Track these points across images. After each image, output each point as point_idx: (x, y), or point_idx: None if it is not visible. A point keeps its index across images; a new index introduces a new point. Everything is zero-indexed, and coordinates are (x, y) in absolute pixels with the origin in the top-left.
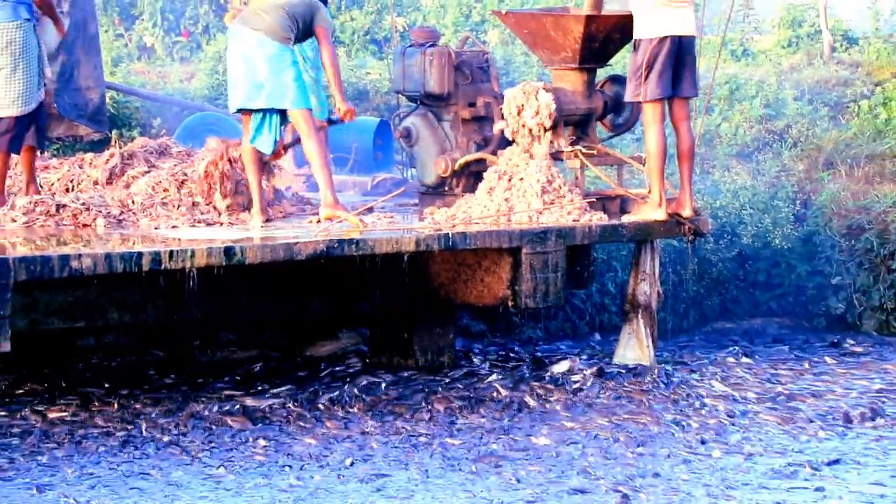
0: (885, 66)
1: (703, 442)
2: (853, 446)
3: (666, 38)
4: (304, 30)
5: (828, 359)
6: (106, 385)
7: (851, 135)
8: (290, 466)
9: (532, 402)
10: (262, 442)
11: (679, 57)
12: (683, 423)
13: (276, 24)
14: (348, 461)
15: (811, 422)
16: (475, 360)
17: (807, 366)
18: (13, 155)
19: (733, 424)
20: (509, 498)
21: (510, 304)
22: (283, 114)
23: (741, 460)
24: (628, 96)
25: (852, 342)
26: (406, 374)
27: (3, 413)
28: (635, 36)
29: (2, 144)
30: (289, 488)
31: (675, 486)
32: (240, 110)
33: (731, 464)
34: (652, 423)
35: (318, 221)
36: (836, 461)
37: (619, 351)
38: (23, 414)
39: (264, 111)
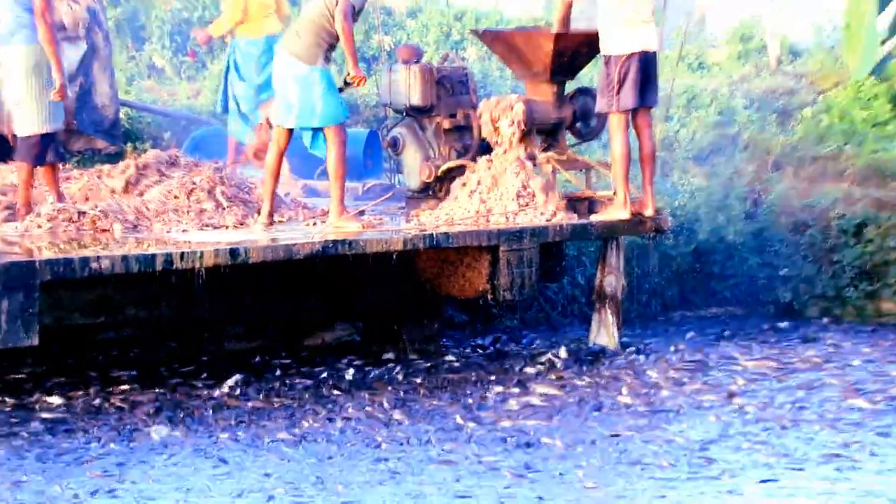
0: (826, 76)
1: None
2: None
3: (634, 54)
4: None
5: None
6: (124, 374)
7: (797, 139)
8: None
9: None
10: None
11: (644, 70)
12: (635, 399)
13: (306, 44)
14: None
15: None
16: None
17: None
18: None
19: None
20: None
21: (489, 296)
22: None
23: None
24: (602, 108)
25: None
26: (395, 361)
27: (31, 399)
28: (605, 52)
29: (28, 159)
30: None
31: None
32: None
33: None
34: (610, 397)
35: (314, 224)
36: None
37: (591, 337)
38: (48, 400)
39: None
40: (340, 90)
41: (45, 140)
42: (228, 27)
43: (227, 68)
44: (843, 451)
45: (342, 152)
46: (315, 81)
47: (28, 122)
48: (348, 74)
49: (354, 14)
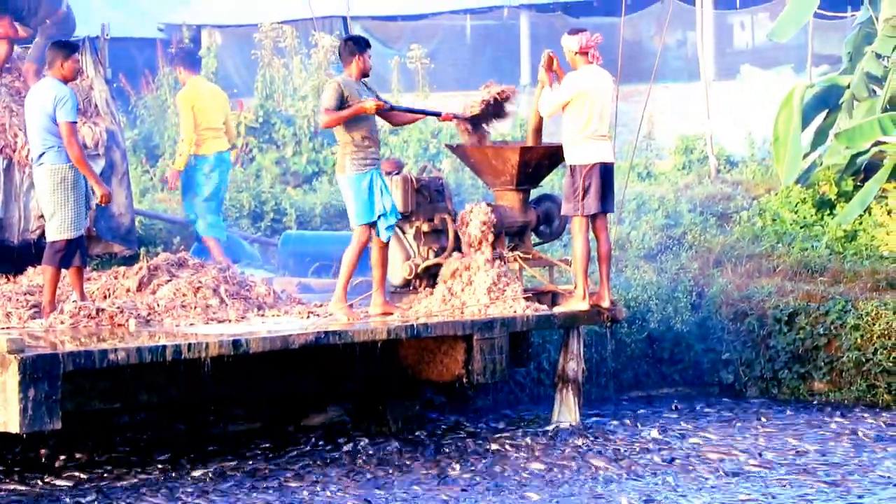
0: (759, 183)
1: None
2: None
3: (596, 164)
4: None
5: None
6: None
7: (734, 239)
8: None
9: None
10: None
11: (604, 179)
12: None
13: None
14: None
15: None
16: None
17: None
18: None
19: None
20: None
21: (464, 380)
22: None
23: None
24: (567, 211)
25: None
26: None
27: (53, 478)
28: (570, 162)
29: (55, 262)
30: None
31: None
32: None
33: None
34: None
35: (308, 316)
36: None
37: (554, 416)
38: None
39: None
40: None
41: (71, 245)
42: (189, 154)
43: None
44: None
45: (357, 251)
46: (347, 187)
47: (55, 229)
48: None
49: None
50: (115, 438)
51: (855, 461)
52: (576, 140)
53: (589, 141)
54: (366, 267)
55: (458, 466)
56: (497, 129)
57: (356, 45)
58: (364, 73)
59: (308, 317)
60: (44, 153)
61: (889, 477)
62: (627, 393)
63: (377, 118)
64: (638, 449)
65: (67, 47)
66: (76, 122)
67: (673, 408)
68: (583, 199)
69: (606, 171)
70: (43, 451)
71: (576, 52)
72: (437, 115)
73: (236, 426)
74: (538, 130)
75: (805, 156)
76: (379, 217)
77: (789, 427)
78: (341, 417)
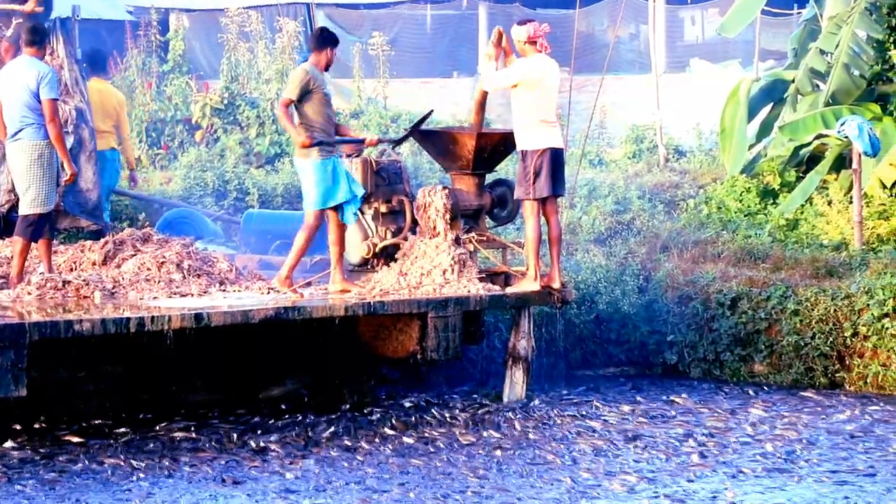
0: (706, 173)
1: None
2: None
3: (546, 149)
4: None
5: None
6: (100, 421)
7: (681, 225)
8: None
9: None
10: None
11: (554, 164)
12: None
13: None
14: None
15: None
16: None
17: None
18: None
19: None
20: None
21: (419, 356)
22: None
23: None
24: (519, 195)
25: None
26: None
27: (24, 442)
28: (521, 147)
29: (27, 234)
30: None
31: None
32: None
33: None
34: (511, 442)
35: (268, 292)
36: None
37: (505, 392)
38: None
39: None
40: None
41: (42, 219)
42: None
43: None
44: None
45: (310, 235)
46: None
47: (29, 203)
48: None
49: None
50: (79, 406)
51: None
52: (527, 126)
53: (539, 126)
54: (323, 245)
55: (408, 439)
56: (455, 116)
57: (330, 39)
58: (328, 67)
59: (268, 292)
60: (22, 129)
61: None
62: (575, 371)
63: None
64: (577, 426)
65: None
66: (58, 100)
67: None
68: (534, 182)
69: (556, 156)
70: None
71: (525, 42)
72: (361, 141)
73: (196, 396)
74: (482, 104)
75: (750, 147)
76: (348, 202)
77: (709, 404)
78: (299, 391)
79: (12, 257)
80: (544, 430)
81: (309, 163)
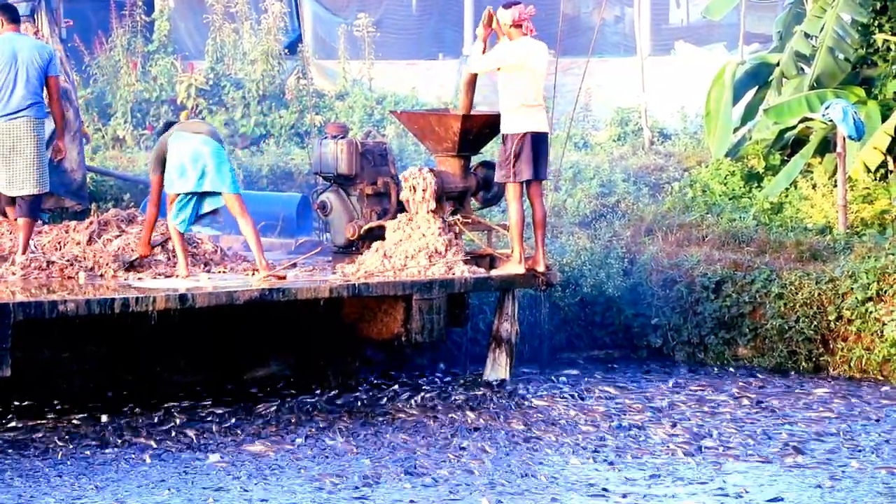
0: (690, 156)
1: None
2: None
3: (527, 133)
4: None
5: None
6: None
7: (666, 209)
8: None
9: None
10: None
11: (535, 148)
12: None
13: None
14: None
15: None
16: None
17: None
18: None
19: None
20: None
21: (403, 338)
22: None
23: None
24: (500, 178)
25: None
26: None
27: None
28: (503, 131)
29: (34, 215)
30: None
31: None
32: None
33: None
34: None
35: (252, 273)
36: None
37: (487, 372)
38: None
39: (189, 194)
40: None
41: (39, 199)
42: None
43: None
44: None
45: (248, 216)
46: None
47: (31, 183)
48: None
49: None
50: (63, 386)
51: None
52: (509, 109)
53: (522, 110)
54: (308, 228)
55: (384, 416)
56: (440, 98)
57: None
58: None
59: (253, 274)
60: (30, 105)
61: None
62: (559, 354)
63: None
64: (558, 408)
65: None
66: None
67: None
68: (514, 165)
69: (538, 140)
70: None
71: (510, 25)
72: None
73: (181, 377)
74: (470, 84)
75: (735, 130)
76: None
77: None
78: (283, 372)
79: (21, 238)
80: (524, 411)
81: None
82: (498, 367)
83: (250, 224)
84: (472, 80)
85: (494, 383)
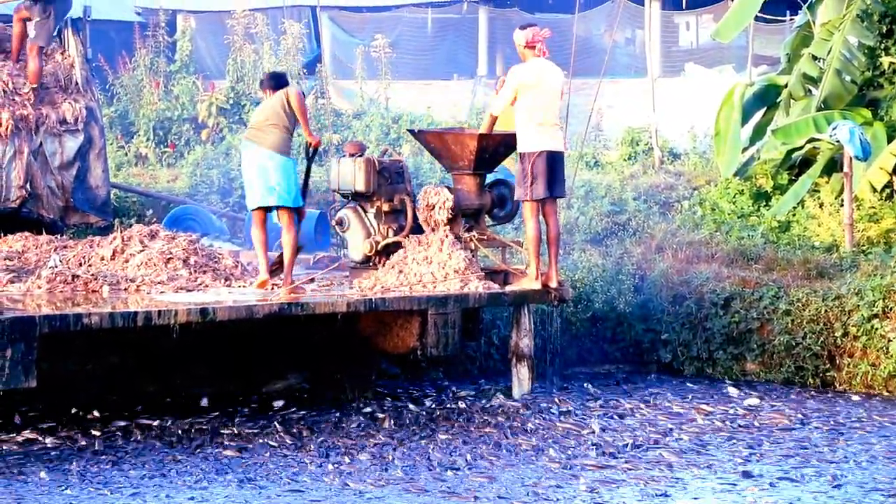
0: (700, 175)
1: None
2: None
3: (543, 152)
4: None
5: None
6: (107, 413)
7: (676, 226)
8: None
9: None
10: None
11: (551, 166)
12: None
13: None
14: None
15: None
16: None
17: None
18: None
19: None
20: None
21: (419, 352)
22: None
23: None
24: (518, 196)
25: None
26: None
27: (31, 433)
28: (520, 150)
29: None
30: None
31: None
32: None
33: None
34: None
35: (272, 288)
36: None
37: (514, 390)
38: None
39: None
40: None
41: None
42: None
43: None
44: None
45: (294, 233)
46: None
47: None
48: (309, 143)
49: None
50: (86, 397)
51: None
52: (524, 128)
53: (537, 129)
54: (325, 243)
55: (404, 430)
56: (455, 118)
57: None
58: None
59: (272, 289)
60: None
61: None
62: (572, 369)
63: None
64: (573, 422)
65: None
66: None
67: (616, 384)
68: (531, 184)
69: (554, 159)
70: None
71: (525, 46)
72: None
73: (201, 389)
74: (491, 126)
75: (744, 150)
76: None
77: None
78: (301, 385)
79: None
80: (544, 425)
81: (283, 159)
82: (522, 382)
83: (291, 241)
84: (493, 123)
85: (519, 397)
